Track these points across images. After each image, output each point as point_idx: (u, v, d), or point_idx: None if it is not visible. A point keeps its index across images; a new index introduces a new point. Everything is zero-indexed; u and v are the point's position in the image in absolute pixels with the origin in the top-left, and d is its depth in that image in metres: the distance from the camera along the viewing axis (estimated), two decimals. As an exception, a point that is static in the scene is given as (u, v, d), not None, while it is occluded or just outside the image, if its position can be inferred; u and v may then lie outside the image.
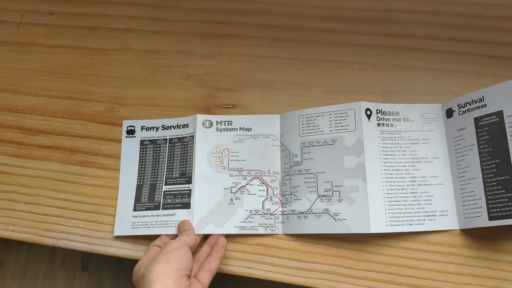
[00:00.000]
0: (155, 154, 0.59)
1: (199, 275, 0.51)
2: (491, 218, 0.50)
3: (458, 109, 0.54)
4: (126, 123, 0.61)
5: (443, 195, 0.54)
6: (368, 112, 0.55)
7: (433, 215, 0.53)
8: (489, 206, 0.50)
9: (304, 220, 0.54)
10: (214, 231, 0.55)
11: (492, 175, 0.50)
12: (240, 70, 0.62)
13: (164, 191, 0.57)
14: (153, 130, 0.60)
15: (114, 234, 0.56)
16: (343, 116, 0.55)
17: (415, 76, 0.59)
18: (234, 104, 0.61)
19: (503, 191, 0.49)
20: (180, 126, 0.59)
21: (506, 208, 0.48)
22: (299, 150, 0.56)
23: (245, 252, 0.56)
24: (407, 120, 0.56)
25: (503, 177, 0.49)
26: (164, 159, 0.59)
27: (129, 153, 0.60)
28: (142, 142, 0.60)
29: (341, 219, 0.53)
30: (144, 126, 0.60)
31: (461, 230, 0.53)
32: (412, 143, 0.55)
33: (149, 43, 0.64)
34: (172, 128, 0.60)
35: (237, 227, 0.55)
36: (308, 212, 0.54)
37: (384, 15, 0.62)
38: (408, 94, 0.58)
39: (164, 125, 0.60)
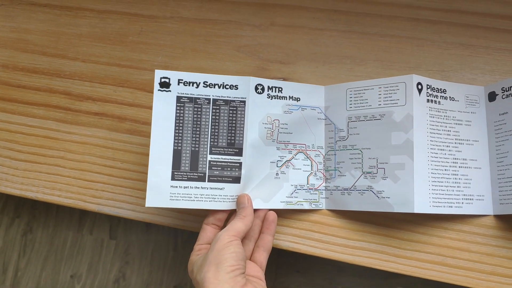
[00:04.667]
0: (196, 116, 0.52)
1: (255, 256, 0.51)
2: None
3: (502, 92, 0.53)
4: (158, 73, 0.52)
5: (481, 179, 0.53)
6: (420, 87, 0.52)
7: (470, 199, 0.52)
8: None
9: (348, 197, 0.53)
10: (261, 206, 0.53)
11: None
12: (292, 42, 0.60)
13: (210, 161, 0.52)
14: (193, 85, 0.53)
15: (146, 205, 0.50)
16: (394, 90, 0.52)
17: (475, 54, 0.57)
18: (285, 78, 0.59)
19: None
20: (227, 86, 0.53)
21: None
22: (345, 124, 0.55)
23: (292, 227, 0.56)
24: (452, 99, 0.54)
25: None
26: (207, 123, 0.53)
27: (163, 110, 0.52)
28: (179, 98, 0.52)
29: (384, 197, 0.51)
30: (182, 80, 0.52)
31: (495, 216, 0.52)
32: (456, 124, 0.53)
33: (200, 11, 0.63)
34: (216, 86, 0.53)
35: (283, 202, 0.54)
36: (352, 188, 0.53)
37: (444, -10, 0.60)
38: (467, 74, 0.57)
39: (207, 82, 0.53)
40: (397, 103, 0.52)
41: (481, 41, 0.57)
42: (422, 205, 0.50)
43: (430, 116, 0.52)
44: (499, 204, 0.52)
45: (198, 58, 0.61)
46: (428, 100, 0.52)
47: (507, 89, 0.52)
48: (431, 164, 0.51)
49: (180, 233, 1.01)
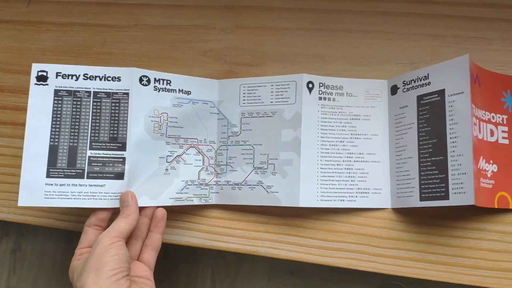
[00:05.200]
0: (74, 110, 0.50)
1: (143, 256, 0.49)
2: (422, 199, 0.49)
3: (403, 86, 0.53)
4: (36, 67, 0.50)
5: (378, 173, 0.53)
6: (310, 85, 0.53)
7: (366, 192, 0.53)
8: (422, 186, 0.49)
9: (238, 191, 0.54)
10: (148, 204, 0.50)
11: (427, 155, 0.49)
12: (259, 43, 0.59)
13: (89, 157, 0.50)
14: (72, 78, 0.50)
15: (19, 204, 0.47)
16: (285, 88, 0.54)
17: (445, 45, 0.56)
18: (254, 80, 0.58)
19: (436, 172, 0.48)
20: (109, 78, 0.51)
21: (437, 190, 0.48)
22: (238, 120, 0.55)
23: (181, 220, 0.56)
24: (350, 95, 0.55)
25: (438, 158, 0.48)
26: (87, 117, 0.50)
27: (39, 105, 0.49)
28: (56, 92, 0.50)
29: (273, 192, 0.53)
30: (60, 73, 0.50)
31: (393, 209, 0.53)
32: (352, 119, 0.54)
33: (164, 18, 0.61)
34: (98, 79, 0.51)
35: (173, 198, 0.52)
36: (243, 183, 0.54)
37: (411, -19, 0.59)
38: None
39: (87, 74, 0.50)
40: (287, 101, 0.53)
41: (450, 31, 0.56)
42: (308, 199, 0.52)
43: (322, 114, 0.53)
44: (396, 197, 0.52)
45: (164, 65, 0.60)
46: (320, 98, 0.54)
47: (408, 83, 0.53)
48: (321, 160, 0.53)
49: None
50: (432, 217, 0.52)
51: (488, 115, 0.51)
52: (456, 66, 0.48)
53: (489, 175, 0.49)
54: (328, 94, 0.54)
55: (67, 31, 0.63)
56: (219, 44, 0.60)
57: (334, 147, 0.53)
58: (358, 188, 0.53)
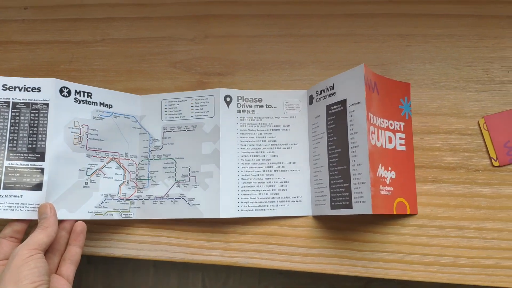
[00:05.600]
0: None
1: (62, 269, 0.47)
2: (332, 207, 0.50)
3: (316, 96, 0.53)
4: None
5: (299, 182, 0.54)
6: (228, 99, 0.55)
7: (286, 201, 0.54)
8: (332, 195, 0.50)
9: (160, 205, 0.54)
10: (66, 217, 0.49)
11: (335, 164, 0.50)
12: (229, 52, 0.59)
13: (6, 167, 0.49)
14: None
15: None
16: (204, 103, 0.55)
17: (414, 44, 0.56)
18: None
19: (342, 181, 0.48)
20: (29, 89, 0.50)
21: (343, 198, 0.48)
22: (160, 134, 0.56)
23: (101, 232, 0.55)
24: (269, 106, 0.55)
25: (342, 167, 0.48)
26: (5, 128, 0.49)
27: None
28: None
29: (195, 204, 0.53)
30: None
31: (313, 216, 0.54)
32: (272, 130, 0.55)
33: (131, 31, 0.60)
34: (17, 89, 0.50)
35: (91, 212, 0.52)
36: (165, 197, 0.54)
37: (377, -19, 0.58)
38: (407, 64, 0.55)
39: (6, 85, 0.50)
40: (207, 115, 0.54)
41: (418, 30, 0.56)
42: (228, 210, 0.52)
43: (241, 126, 0.55)
44: (315, 205, 0.53)
45: (133, 79, 0.59)
46: (239, 111, 0.55)
47: (319, 93, 0.53)
48: (242, 171, 0.54)
49: None
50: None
51: (386, 122, 0.51)
52: (354, 76, 0.48)
53: (388, 182, 0.49)
54: (247, 107, 0.55)
55: (33, 49, 0.61)
56: (188, 54, 0.59)
57: (255, 157, 0.54)
58: (279, 197, 0.54)
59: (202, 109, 0.55)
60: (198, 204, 0.53)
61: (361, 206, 0.46)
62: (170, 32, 0.60)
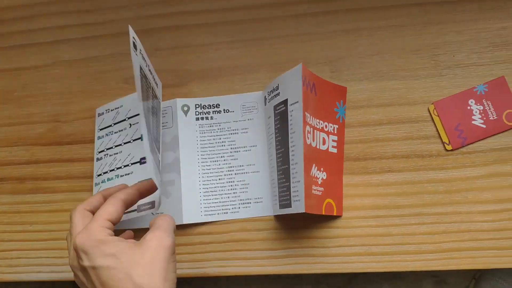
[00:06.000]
0: None
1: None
2: (280, 206, 0.50)
3: (268, 96, 0.54)
4: None
5: (259, 183, 0.55)
6: (185, 108, 0.56)
7: (248, 203, 0.54)
8: (280, 194, 0.50)
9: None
10: None
11: (280, 164, 0.50)
12: (181, 63, 0.59)
13: None
14: None
15: None
16: (163, 114, 0.56)
17: (359, 38, 0.57)
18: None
19: (284, 180, 0.49)
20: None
21: (286, 197, 0.49)
22: None
23: None
24: (227, 111, 0.56)
25: (285, 166, 0.49)
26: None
27: None
28: None
29: (158, 213, 0.54)
30: None
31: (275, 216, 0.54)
32: (231, 134, 0.56)
33: (80, 51, 0.60)
34: None
35: None
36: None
37: (319, -20, 0.59)
38: (356, 59, 0.56)
39: None
40: (166, 126, 0.56)
41: (362, 23, 0.57)
42: (191, 216, 0.53)
43: (200, 133, 0.56)
44: (273, 205, 0.53)
45: (88, 99, 0.59)
46: (197, 118, 0.56)
47: (269, 94, 0.53)
48: (203, 176, 0.55)
49: None
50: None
51: (322, 123, 0.51)
52: (294, 76, 0.48)
53: (319, 183, 0.50)
54: (205, 114, 0.56)
55: (-16, 79, 0.61)
56: (140, 69, 0.59)
57: (215, 162, 0.55)
58: (241, 199, 0.54)
59: (162, 120, 0.56)
60: (162, 213, 0.53)
61: (297, 205, 0.46)
62: (119, 49, 0.60)
